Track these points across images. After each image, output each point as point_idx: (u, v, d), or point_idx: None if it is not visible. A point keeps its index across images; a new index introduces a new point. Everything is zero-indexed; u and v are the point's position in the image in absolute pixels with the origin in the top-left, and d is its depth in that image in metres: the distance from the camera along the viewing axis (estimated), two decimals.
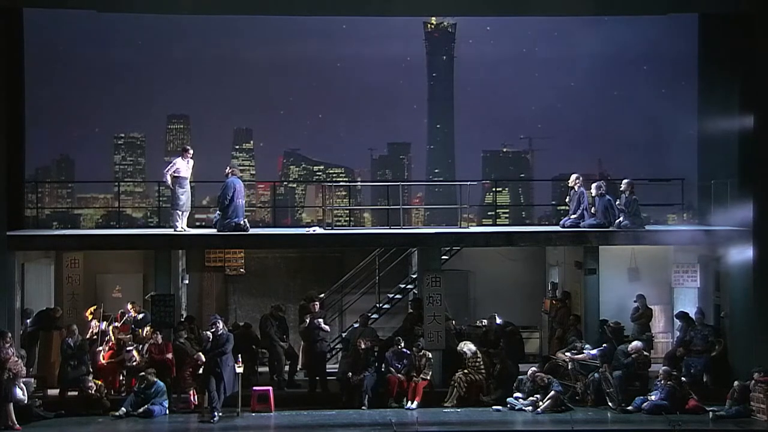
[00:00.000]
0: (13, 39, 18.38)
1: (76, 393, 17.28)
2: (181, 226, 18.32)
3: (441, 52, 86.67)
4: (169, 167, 18.38)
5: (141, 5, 18.95)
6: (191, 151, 18.79)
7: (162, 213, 20.83)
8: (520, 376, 17.65)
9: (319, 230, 19.04)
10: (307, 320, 18.29)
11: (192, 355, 17.38)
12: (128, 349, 17.59)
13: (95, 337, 18.36)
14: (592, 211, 18.69)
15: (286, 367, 18.87)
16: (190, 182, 18.97)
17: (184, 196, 18.34)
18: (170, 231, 18.37)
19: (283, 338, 18.89)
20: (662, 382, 16.90)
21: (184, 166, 18.43)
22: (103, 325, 18.41)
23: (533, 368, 17.51)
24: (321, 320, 18.46)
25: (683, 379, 17.38)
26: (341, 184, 52.96)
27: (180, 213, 18.33)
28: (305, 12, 20.29)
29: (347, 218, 26.63)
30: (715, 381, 18.07)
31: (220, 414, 16.46)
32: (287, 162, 77.95)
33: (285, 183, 72.36)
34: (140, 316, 18.92)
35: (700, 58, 20.44)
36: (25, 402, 16.13)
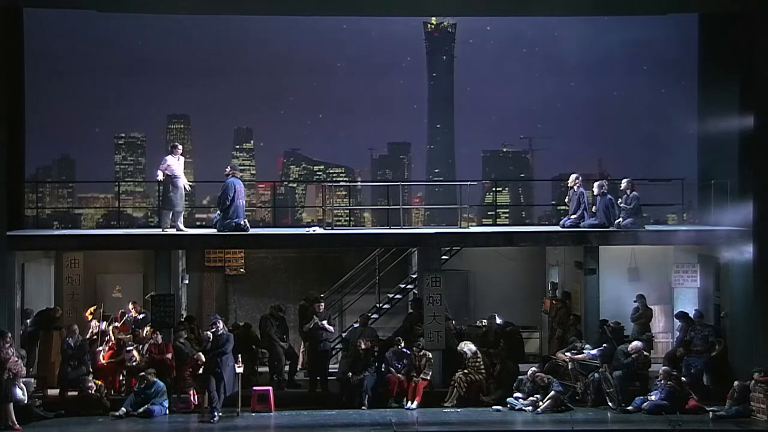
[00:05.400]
0: (13, 39, 18.35)
1: (76, 393, 17.26)
2: (170, 224, 18.19)
3: (441, 52, 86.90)
4: (161, 165, 18.31)
5: (141, 5, 18.92)
6: (180, 148, 18.70)
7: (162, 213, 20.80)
8: (520, 376, 17.64)
9: (319, 230, 19.04)
10: (314, 321, 18.24)
11: (192, 355, 17.38)
12: (128, 349, 17.58)
13: (95, 337, 18.34)
14: (593, 210, 18.69)
15: (286, 367, 18.86)
16: (190, 182, 18.93)
17: (177, 195, 18.28)
18: (171, 231, 18.31)
19: (283, 338, 18.88)
20: (662, 382, 16.89)
21: (175, 164, 18.34)
22: (103, 325, 18.39)
23: (533, 368, 17.50)
24: (324, 321, 18.46)
25: (683, 379, 17.35)
26: (341, 184, 53.06)
27: (171, 213, 18.24)
28: (305, 12, 20.27)
29: (347, 218, 26.65)
30: (715, 381, 18.05)
31: (220, 414, 16.45)
32: (287, 162, 78.15)
33: (285, 183, 72.49)
34: (140, 316, 18.92)
35: (700, 58, 20.42)
36: (25, 402, 16.10)
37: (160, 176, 18.19)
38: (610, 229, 18.47)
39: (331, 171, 76.79)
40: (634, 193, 18.50)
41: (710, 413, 16.51)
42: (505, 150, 77.81)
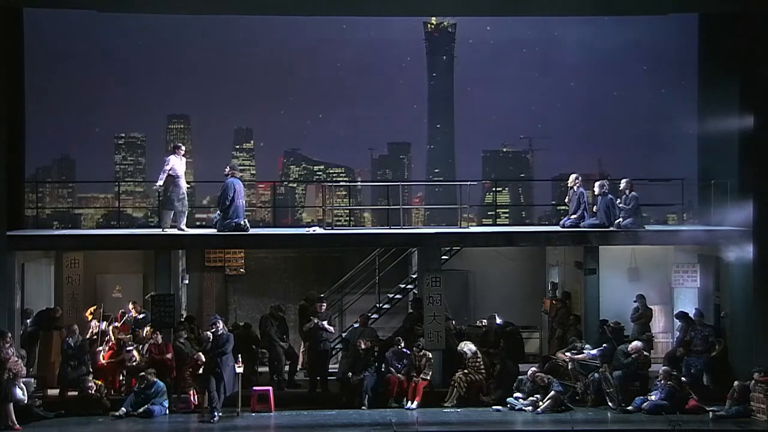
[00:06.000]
0: (13, 39, 18.34)
1: (76, 393, 17.25)
2: (170, 224, 18.16)
3: (441, 52, 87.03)
4: (165, 167, 18.28)
5: (141, 5, 18.91)
6: (183, 149, 18.73)
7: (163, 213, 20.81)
8: (520, 376, 17.63)
9: (319, 230, 19.04)
10: (314, 321, 18.23)
11: (192, 355, 17.38)
12: (128, 349, 17.57)
13: (95, 337, 18.34)
14: (593, 210, 18.69)
15: (286, 367, 18.86)
16: (188, 182, 18.91)
17: (178, 195, 18.27)
18: (171, 231, 18.29)
19: (283, 338, 18.87)
20: (662, 382, 16.89)
21: (178, 164, 18.33)
22: (103, 325, 18.39)
23: (533, 368, 17.49)
24: (325, 321, 18.46)
25: (683, 379, 17.35)
26: (341, 184, 53.16)
27: (172, 213, 18.20)
28: (305, 12, 20.26)
29: (347, 218, 26.67)
30: (715, 381, 18.05)
31: (220, 414, 16.44)
32: (287, 162, 78.28)
33: (285, 183, 72.56)
34: (141, 316, 18.91)
35: (700, 58, 20.41)
36: (25, 402, 16.09)
37: (162, 179, 18.13)
38: (610, 229, 18.46)
39: (331, 171, 76.89)
40: (633, 193, 18.51)
41: (710, 413, 16.50)
42: (505, 150, 77.92)
